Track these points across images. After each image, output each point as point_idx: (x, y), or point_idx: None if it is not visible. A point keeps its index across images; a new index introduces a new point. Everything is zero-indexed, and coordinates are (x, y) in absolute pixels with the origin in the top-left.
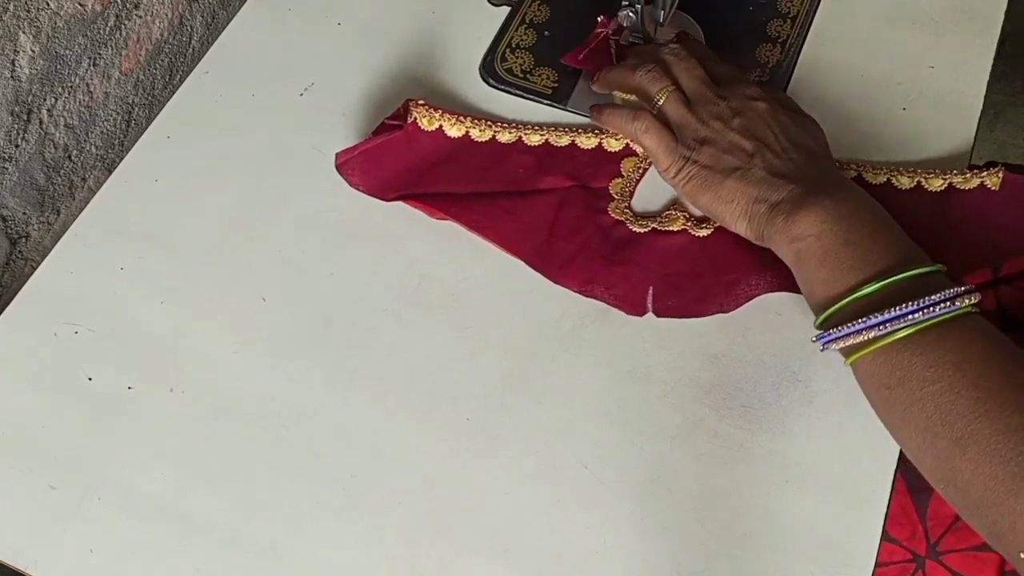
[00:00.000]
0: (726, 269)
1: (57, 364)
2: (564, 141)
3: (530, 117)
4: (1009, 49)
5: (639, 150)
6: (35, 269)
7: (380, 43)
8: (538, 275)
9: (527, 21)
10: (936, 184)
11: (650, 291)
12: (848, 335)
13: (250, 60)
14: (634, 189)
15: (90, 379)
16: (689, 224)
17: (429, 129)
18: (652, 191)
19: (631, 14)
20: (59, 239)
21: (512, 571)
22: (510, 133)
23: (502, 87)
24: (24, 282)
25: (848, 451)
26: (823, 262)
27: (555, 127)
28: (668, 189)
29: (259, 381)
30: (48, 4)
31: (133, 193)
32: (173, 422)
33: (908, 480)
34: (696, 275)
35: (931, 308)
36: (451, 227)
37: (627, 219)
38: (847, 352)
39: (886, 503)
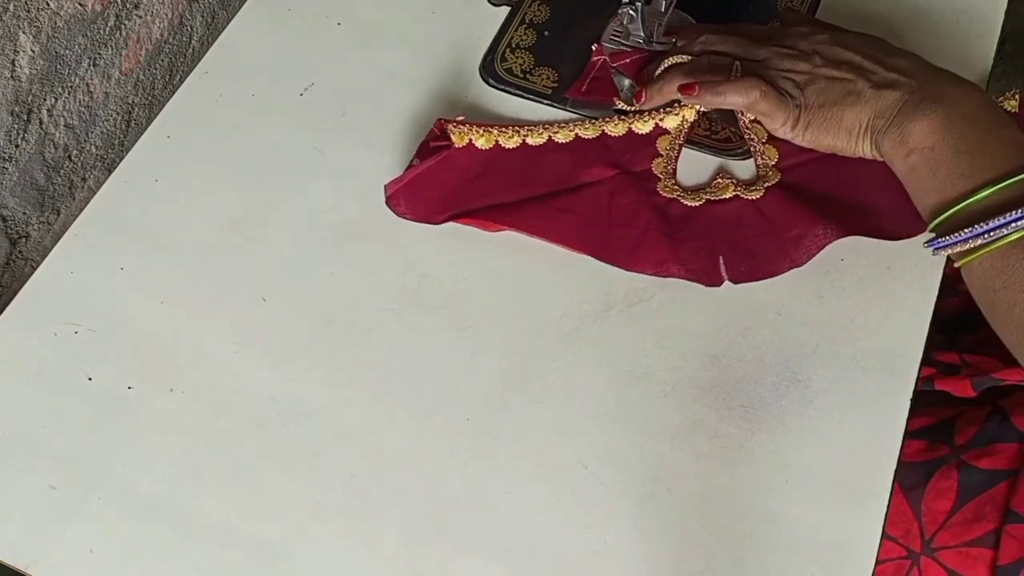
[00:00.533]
0: (788, 225)
1: (57, 364)
2: (593, 133)
3: (530, 117)
4: (1009, 49)
5: (670, 128)
6: (35, 269)
7: (380, 43)
8: (538, 275)
9: (527, 21)
10: None
11: (721, 260)
12: (956, 243)
13: (250, 60)
14: (676, 166)
15: (90, 379)
16: (740, 189)
17: (461, 145)
18: (693, 164)
19: (631, 13)
20: (59, 239)
21: (512, 571)
22: (539, 135)
23: (502, 87)
24: (24, 282)
25: (848, 451)
26: (935, 172)
27: (582, 121)
28: (709, 159)
29: (259, 381)
30: (48, 4)
31: (133, 193)
32: (173, 422)
33: (901, 480)
34: (760, 236)
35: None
36: (451, 227)
37: (679, 195)
38: (957, 256)
39: (886, 503)
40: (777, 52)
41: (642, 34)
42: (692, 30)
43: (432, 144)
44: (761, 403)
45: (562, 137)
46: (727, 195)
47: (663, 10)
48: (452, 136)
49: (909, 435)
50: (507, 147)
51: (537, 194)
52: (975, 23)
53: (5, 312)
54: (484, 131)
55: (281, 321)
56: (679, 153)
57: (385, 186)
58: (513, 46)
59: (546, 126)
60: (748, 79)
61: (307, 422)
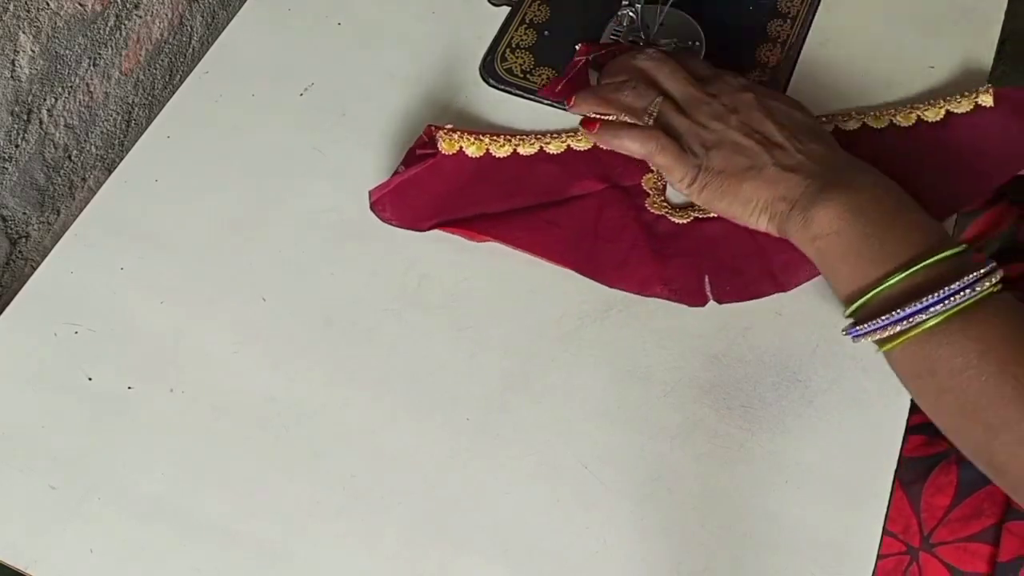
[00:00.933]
0: (777, 248)
1: (57, 364)
2: (585, 144)
3: (530, 117)
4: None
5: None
6: (35, 269)
7: (380, 43)
8: (538, 275)
9: (527, 21)
10: (933, 114)
11: (706, 279)
12: (875, 330)
13: (250, 60)
14: (665, 183)
15: (90, 379)
16: None
17: (451, 152)
18: None
19: (631, 14)
20: (59, 239)
21: (512, 571)
22: (530, 145)
23: (502, 87)
24: (24, 282)
25: (848, 451)
26: (844, 258)
27: (573, 132)
28: None
29: (259, 381)
30: (48, 4)
31: (133, 193)
32: (173, 422)
33: (901, 475)
34: (748, 256)
35: (951, 298)
36: None
37: (667, 212)
38: (878, 343)
39: (886, 503)
40: (698, 99)
41: (642, 35)
42: (637, 51)
43: (418, 151)
44: (761, 403)
45: (553, 148)
46: (715, 214)
47: (661, 11)
48: (442, 143)
49: (909, 430)
50: (498, 156)
51: (525, 205)
52: (975, 23)
53: (5, 312)
54: (475, 139)
55: (281, 321)
56: None
57: (370, 192)
58: (513, 46)
59: (538, 136)
60: (650, 130)
61: (307, 422)
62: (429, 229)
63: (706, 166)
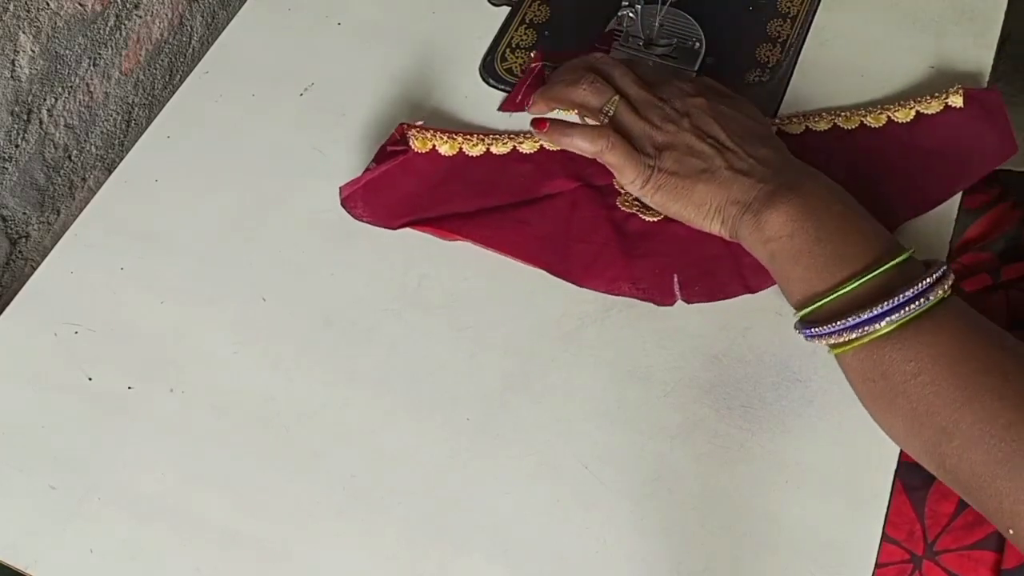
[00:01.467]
0: (746, 251)
1: (57, 364)
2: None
3: (530, 117)
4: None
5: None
6: (35, 269)
7: (380, 43)
8: (538, 275)
9: (527, 21)
10: (904, 115)
11: (675, 279)
12: (828, 335)
13: (250, 60)
14: None
15: (90, 379)
16: None
17: (423, 151)
18: None
19: (631, 15)
20: (59, 239)
21: (512, 571)
22: (503, 144)
23: (502, 87)
24: (24, 282)
25: (848, 451)
26: (796, 261)
27: None
28: None
29: (259, 381)
30: (48, 4)
31: (133, 193)
32: (173, 422)
33: (904, 479)
34: (717, 257)
35: (906, 306)
36: None
37: (638, 210)
38: (830, 346)
39: (886, 503)
40: (651, 101)
41: (641, 35)
42: (589, 55)
43: (389, 148)
44: (761, 403)
45: (527, 147)
46: (669, 215)
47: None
48: (414, 141)
49: None
50: (470, 155)
51: (497, 204)
52: (975, 23)
53: (5, 312)
54: (448, 138)
55: (281, 321)
56: None
57: (340, 188)
58: (513, 46)
59: (511, 135)
60: (600, 129)
61: (307, 422)
62: (400, 227)
63: (659, 167)
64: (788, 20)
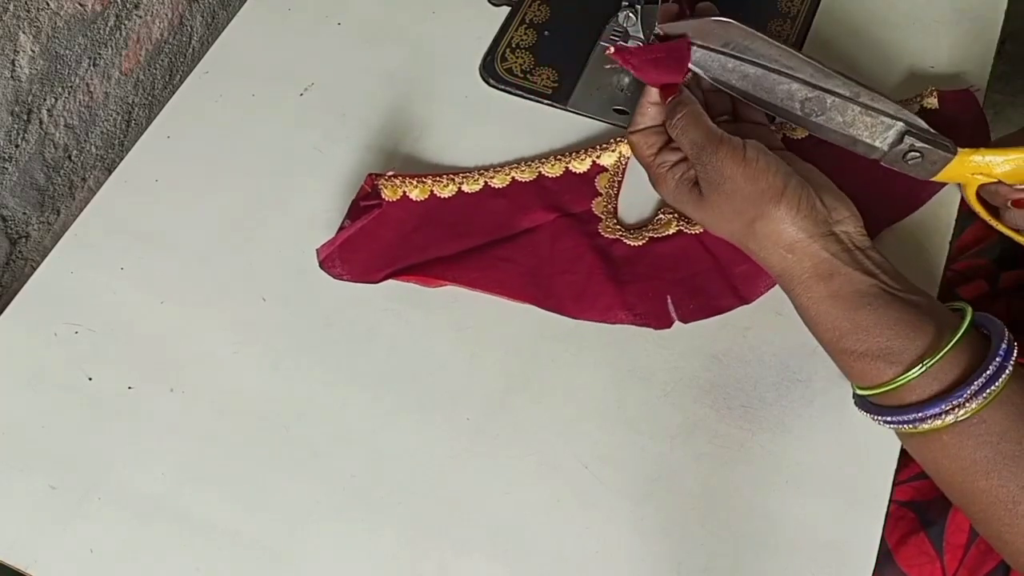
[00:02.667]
0: (733, 261)
1: (57, 364)
2: (530, 175)
3: (530, 117)
4: (1009, 49)
5: (607, 165)
6: (35, 269)
7: (380, 43)
8: None
9: (527, 21)
10: None
11: (669, 300)
12: (891, 424)
13: (250, 60)
14: (616, 204)
15: (90, 379)
16: (683, 224)
17: (394, 199)
18: (634, 201)
19: (631, 15)
20: (59, 239)
21: (512, 571)
22: (474, 182)
23: (502, 87)
24: (24, 282)
25: (848, 451)
26: (842, 356)
27: (517, 163)
28: (650, 195)
29: (259, 381)
30: (48, 4)
31: (133, 193)
32: (173, 422)
33: (922, 517)
34: (706, 272)
35: (984, 390)
36: None
37: (621, 235)
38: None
39: (886, 503)
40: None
41: (641, 35)
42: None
43: (362, 203)
44: (761, 403)
45: (498, 182)
46: (671, 231)
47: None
48: (384, 190)
49: (924, 472)
50: (442, 196)
51: (477, 244)
52: (975, 23)
53: (5, 312)
54: (418, 182)
55: (281, 321)
56: (619, 191)
57: (317, 250)
58: (513, 46)
59: (481, 172)
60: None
61: (307, 422)
62: (383, 280)
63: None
64: (788, 20)
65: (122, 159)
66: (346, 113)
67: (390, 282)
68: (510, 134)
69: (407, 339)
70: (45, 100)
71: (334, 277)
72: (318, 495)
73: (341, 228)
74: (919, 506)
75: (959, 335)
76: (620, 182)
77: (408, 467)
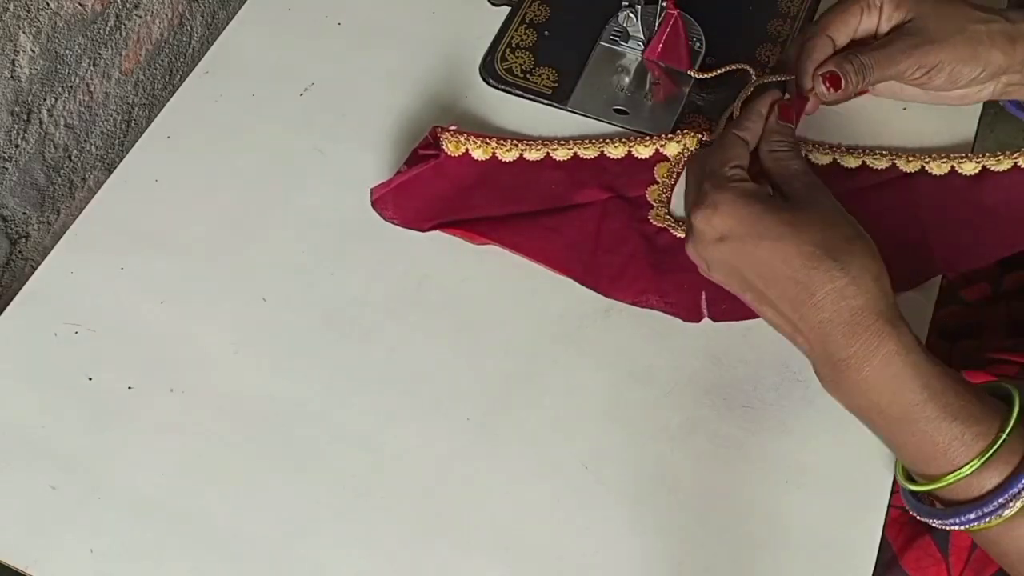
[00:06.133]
0: None
1: (57, 364)
2: (592, 153)
3: (530, 117)
4: None
5: (670, 155)
6: (35, 269)
7: (380, 43)
8: (539, 275)
9: (527, 21)
10: (969, 168)
11: (703, 296)
12: (945, 526)
13: (250, 60)
14: (671, 194)
15: (90, 379)
16: None
17: (456, 154)
18: None
19: (631, 15)
20: (59, 239)
21: (512, 571)
22: (537, 151)
23: (502, 87)
24: (24, 282)
25: (848, 451)
26: (876, 430)
27: (581, 139)
28: None
29: (259, 381)
30: (48, 4)
31: (133, 193)
32: (173, 422)
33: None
34: None
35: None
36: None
37: (670, 225)
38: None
39: (886, 503)
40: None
41: (641, 35)
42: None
43: (421, 152)
44: (761, 403)
45: (560, 155)
46: None
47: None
48: (447, 144)
49: None
50: (504, 160)
51: (528, 210)
52: None
53: (5, 312)
54: (482, 142)
55: (281, 321)
56: (676, 182)
57: (372, 189)
58: (513, 46)
59: (545, 142)
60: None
61: (307, 422)
62: (430, 229)
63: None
64: (788, 20)
65: (122, 159)
66: (346, 113)
67: (390, 282)
68: (510, 134)
69: (407, 339)
70: (45, 100)
71: (384, 218)
72: (318, 495)
73: (397, 173)
74: None
75: (1016, 411)
76: (679, 173)
77: (408, 467)
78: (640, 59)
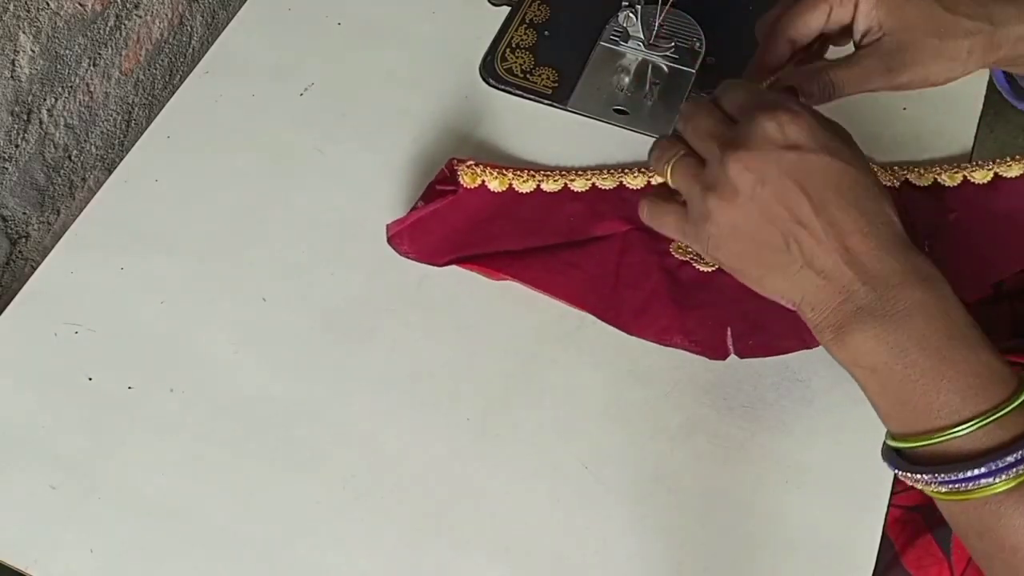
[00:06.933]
0: None
1: (57, 364)
2: (610, 184)
3: (530, 117)
4: None
5: None
6: (35, 269)
7: (380, 43)
8: None
9: (527, 21)
10: (982, 176)
11: (729, 332)
12: (922, 484)
13: (250, 60)
14: None
15: (90, 379)
16: None
17: (472, 186)
18: None
19: (631, 15)
20: (59, 239)
21: (512, 571)
22: (555, 181)
23: (502, 87)
24: (24, 282)
25: (848, 451)
26: (883, 396)
27: (599, 169)
28: None
29: (259, 381)
30: (48, 4)
31: (133, 193)
32: (173, 422)
33: (925, 516)
34: (773, 309)
35: (1009, 469)
36: None
37: (692, 258)
38: (923, 490)
39: (886, 503)
40: (713, 160)
41: (641, 35)
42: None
43: (438, 187)
44: (761, 403)
45: (579, 185)
46: None
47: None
48: (463, 177)
49: None
50: (521, 191)
51: (546, 244)
52: None
53: (5, 312)
54: (498, 173)
55: (281, 321)
56: None
57: (387, 225)
58: (513, 46)
59: (563, 172)
60: (653, 196)
61: (307, 422)
62: (446, 264)
63: (710, 252)
64: None
65: (122, 159)
66: (346, 113)
67: (390, 282)
68: (510, 134)
69: (407, 339)
70: (45, 100)
71: (400, 254)
72: (318, 495)
73: (414, 208)
74: (926, 509)
75: (1017, 403)
76: None
77: (408, 467)
78: (640, 59)
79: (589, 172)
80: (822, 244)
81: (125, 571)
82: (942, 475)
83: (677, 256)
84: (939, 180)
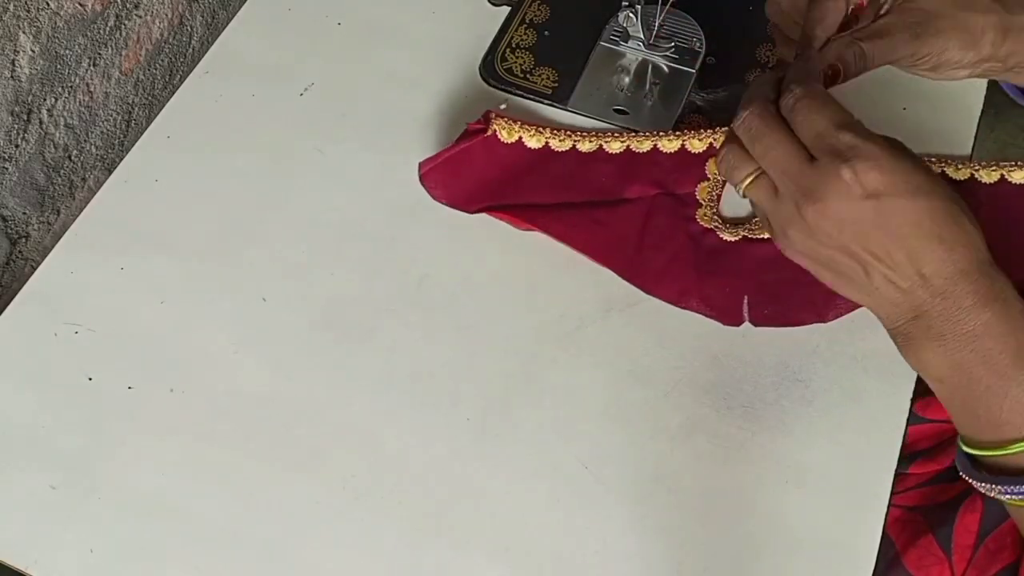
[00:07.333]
0: None
1: (57, 364)
2: (646, 146)
3: (530, 117)
4: None
5: None
6: (35, 269)
7: (380, 43)
8: (538, 275)
9: (527, 21)
10: (988, 176)
11: (745, 300)
12: (998, 494)
13: (250, 60)
14: (721, 191)
15: (90, 379)
16: None
17: (509, 141)
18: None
19: (631, 15)
20: (59, 239)
21: (512, 571)
22: (590, 142)
23: (502, 87)
24: (24, 282)
25: (848, 451)
26: (949, 403)
27: (636, 133)
28: None
29: (259, 381)
30: (48, 4)
31: (133, 193)
32: (173, 422)
33: (930, 519)
34: (791, 282)
35: None
36: (451, 226)
37: (716, 226)
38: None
39: (886, 503)
40: (794, 198)
41: (641, 35)
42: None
43: (471, 128)
44: (761, 403)
45: (614, 147)
46: (766, 235)
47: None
48: (501, 131)
49: (931, 479)
50: (557, 149)
51: (576, 201)
52: None
53: (5, 312)
54: (536, 131)
55: (281, 321)
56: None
57: (420, 163)
58: (513, 46)
59: (599, 133)
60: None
61: (307, 422)
62: (477, 211)
63: (784, 249)
64: None
65: (122, 159)
66: (346, 113)
67: (390, 282)
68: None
69: (407, 339)
70: (45, 100)
71: (431, 196)
72: (318, 495)
73: (446, 148)
74: (927, 509)
75: None
76: None
77: (408, 467)
78: (640, 59)
79: (625, 134)
80: (899, 271)
81: (125, 571)
82: (1007, 486)
83: (702, 223)
84: (946, 173)
